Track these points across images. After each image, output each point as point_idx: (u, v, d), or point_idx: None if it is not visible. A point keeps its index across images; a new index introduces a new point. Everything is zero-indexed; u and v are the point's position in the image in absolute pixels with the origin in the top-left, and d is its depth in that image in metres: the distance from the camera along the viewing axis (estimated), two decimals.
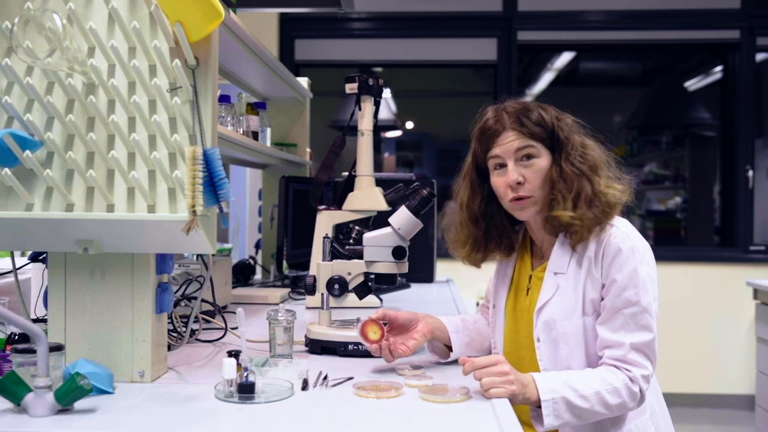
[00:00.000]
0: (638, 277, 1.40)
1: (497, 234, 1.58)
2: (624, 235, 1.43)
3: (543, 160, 1.47)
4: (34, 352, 1.11)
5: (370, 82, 1.70)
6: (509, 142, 1.47)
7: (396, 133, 5.94)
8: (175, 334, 1.62)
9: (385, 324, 1.43)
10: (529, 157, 1.47)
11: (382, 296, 2.37)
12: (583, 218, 1.43)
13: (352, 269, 1.63)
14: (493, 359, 1.28)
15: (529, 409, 1.39)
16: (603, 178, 1.47)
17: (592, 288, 1.44)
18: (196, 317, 1.67)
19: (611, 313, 1.41)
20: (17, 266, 1.54)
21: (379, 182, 1.76)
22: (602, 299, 1.44)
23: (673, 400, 4.26)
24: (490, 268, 1.71)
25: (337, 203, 1.76)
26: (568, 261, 1.47)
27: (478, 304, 4.28)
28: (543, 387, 1.31)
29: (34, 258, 1.63)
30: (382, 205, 1.71)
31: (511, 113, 1.49)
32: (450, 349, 1.55)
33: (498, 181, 1.50)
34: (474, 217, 1.58)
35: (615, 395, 1.35)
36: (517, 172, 1.47)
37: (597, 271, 1.44)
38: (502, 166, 1.49)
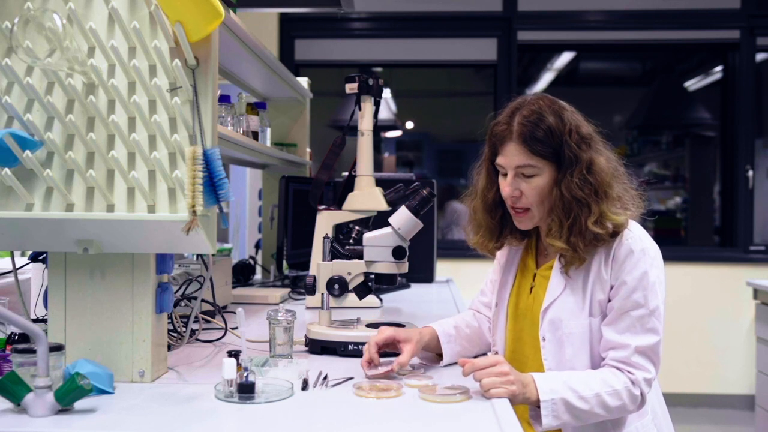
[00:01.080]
0: (648, 279, 1.39)
1: (512, 221, 1.56)
2: (636, 237, 1.42)
3: (544, 177, 1.43)
4: (34, 352, 1.11)
5: (370, 82, 1.70)
6: (511, 156, 1.44)
7: (396, 133, 5.94)
8: (175, 334, 1.62)
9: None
10: (529, 174, 1.44)
11: (382, 296, 2.37)
12: (576, 248, 1.41)
13: (352, 269, 1.63)
14: (492, 360, 1.28)
15: (528, 407, 1.39)
16: (606, 203, 1.42)
17: (600, 289, 1.43)
18: (196, 317, 1.67)
19: (618, 314, 1.40)
20: (17, 266, 1.54)
21: (379, 182, 1.76)
22: (609, 300, 1.43)
23: (673, 401, 4.26)
24: (488, 268, 1.71)
25: (337, 203, 1.76)
26: None
27: None
28: (543, 387, 1.31)
29: (34, 258, 1.63)
30: (382, 205, 1.71)
31: (520, 124, 1.43)
32: (440, 356, 1.54)
33: (502, 186, 1.49)
34: (488, 206, 1.56)
35: (615, 397, 1.35)
36: (514, 186, 1.45)
37: (606, 272, 1.42)
38: (506, 173, 1.48)
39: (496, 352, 1.61)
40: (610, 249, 1.43)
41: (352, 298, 1.72)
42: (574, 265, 1.44)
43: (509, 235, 1.58)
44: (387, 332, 1.44)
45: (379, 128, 3.56)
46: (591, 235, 1.40)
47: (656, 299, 1.40)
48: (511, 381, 1.25)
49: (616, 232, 1.42)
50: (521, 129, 1.42)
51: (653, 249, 1.43)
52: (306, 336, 1.63)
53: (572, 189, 1.40)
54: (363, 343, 1.52)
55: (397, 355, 1.42)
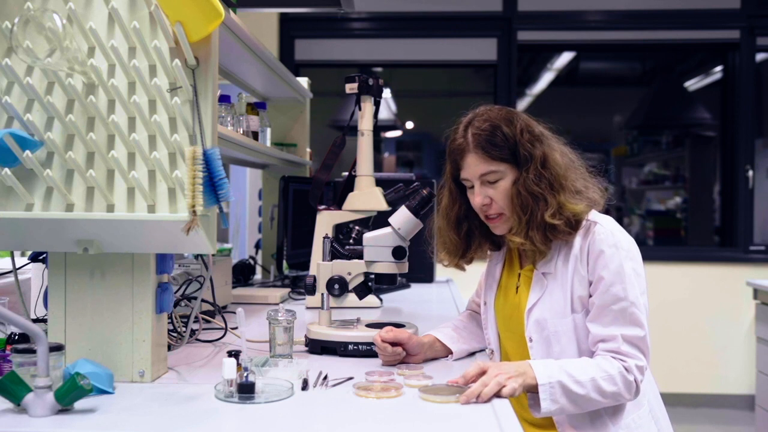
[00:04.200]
0: (624, 272, 1.42)
1: (480, 233, 1.60)
2: (608, 232, 1.45)
3: (508, 180, 1.48)
4: (34, 352, 1.11)
5: (370, 82, 1.70)
6: (473, 166, 1.49)
7: (396, 133, 5.95)
8: (175, 334, 1.62)
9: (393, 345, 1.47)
10: (493, 180, 1.48)
11: (382, 296, 2.37)
12: (534, 241, 1.45)
13: (352, 269, 1.63)
14: (477, 369, 1.28)
15: (528, 405, 1.40)
16: (563, 194, 1.46)
17: (579, 285, 1.46)
18: (196, 317, 1.67)
19: (601, 309, 1.43)
20: (17, 266, 1.54)
21: (379, 182, 1.76)
22: (590, 296, 1.45)
23: (673, 400, 4.27)
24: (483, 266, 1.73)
25: (337, 203, 1.77)
26: (555, 261, 1.49)
27: None
28: (540, 372, 1.33)
29: (34, 258, 1.63)
30: (382, 205, 1.71)
31: (475, 135, 1.48)
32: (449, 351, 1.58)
33: (471, 199, 1.53)
34: (453, 223, 1.60)
35: (610, 382, 1.36)
36: (483, 194, 1.49)
37: (583, 269, 1.46)
38: (472, 186, 1.52)
39: (492, 351, 1.63)
40: (584, 245, 1.46)
41: (352, 298, 1.72)
42: (534, 260, 1.49)
43: (478, 249, 1.62)
44: (393, 333, 1.46)
45: (379, 128, 3.56)
46: (548, 227, 1.44)
47: (635, 290, 1.42)
48: (500, 383, 1.24)
49: (577, 221, 1.46)
50: (476, 139, 1.48)
51: (626, 242, 1.46)
52: (306, 336, 1.63)
53: (528, 185, 1.46)
54: (363, 343, 1.52)
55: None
